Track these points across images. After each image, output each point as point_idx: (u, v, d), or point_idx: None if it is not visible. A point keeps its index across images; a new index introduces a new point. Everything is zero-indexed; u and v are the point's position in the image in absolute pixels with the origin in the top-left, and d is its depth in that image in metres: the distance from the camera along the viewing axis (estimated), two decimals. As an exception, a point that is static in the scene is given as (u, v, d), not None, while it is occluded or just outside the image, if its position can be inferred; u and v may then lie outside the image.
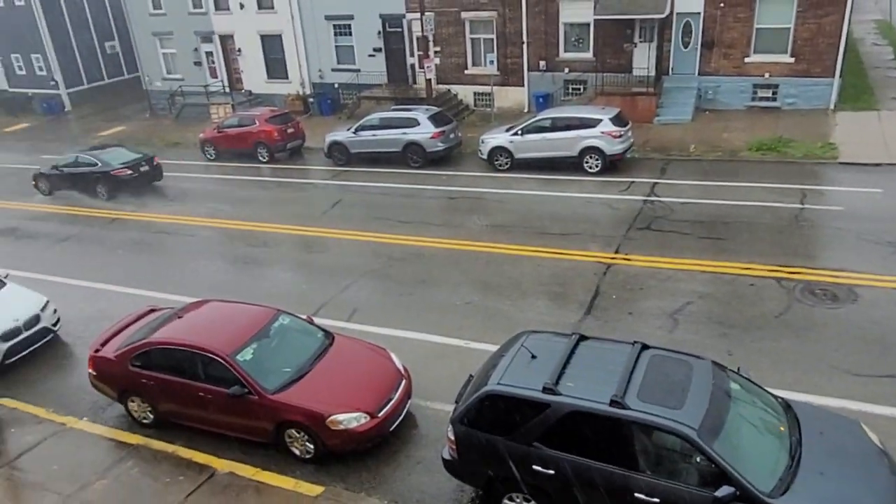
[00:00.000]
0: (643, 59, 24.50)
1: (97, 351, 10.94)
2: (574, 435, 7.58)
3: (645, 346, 8.37)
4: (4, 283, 13.73)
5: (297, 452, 9.63)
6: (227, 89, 33.11)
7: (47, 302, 13.48)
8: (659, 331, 11.86)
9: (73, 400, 11.64)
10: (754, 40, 23.55)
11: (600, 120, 19.61)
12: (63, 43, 38.44)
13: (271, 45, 31.65)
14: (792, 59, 23.21)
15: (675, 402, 7.38)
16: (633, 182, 19.10)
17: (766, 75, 23.70)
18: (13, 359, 12.67)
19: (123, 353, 10.51)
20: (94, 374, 10.89)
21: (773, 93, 23.90)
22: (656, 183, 18.88)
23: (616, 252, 14.97)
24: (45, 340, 13.23)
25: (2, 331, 12.49)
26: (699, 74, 24.52)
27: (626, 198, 18.04)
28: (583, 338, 8.68)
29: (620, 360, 8.07)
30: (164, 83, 34.72)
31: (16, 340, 12.66)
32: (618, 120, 19.78)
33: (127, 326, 11.49)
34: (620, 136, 19.56)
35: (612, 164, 19.89)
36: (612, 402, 7.39)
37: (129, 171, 22.42)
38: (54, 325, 13.46)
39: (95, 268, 16.93)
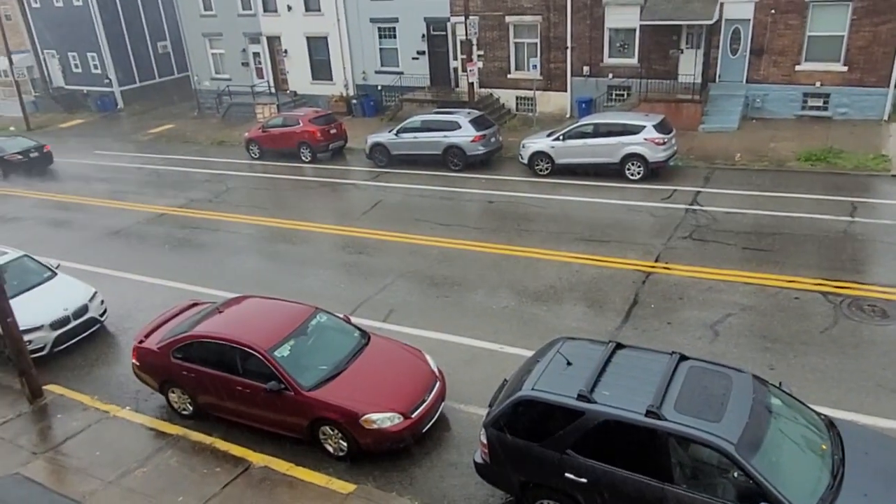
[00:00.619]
0: (689, 65, 24.13)
1: (141, 342, 11.23)
2: (608, 444, 7.49)
3: (683, 357, 8.24)
4: (56, 274, 14.19)
5: (331, 449, 9.73)
6: (273, 90, 33.69)
7: (95, 292, 13.89)
8: (698, 342, 11.67)
9: (117, 389, 11.97)
10: (806, 48, 22.98)
11: (643, 126, 19.39)
12: (117, 42, 39.64)
13: (317, 47, 32.10)
14: (845, 68, 22.58)
15: (714, 415, 7.24)
16: (675, 190, 18.82)
17: (818, 84, 23.11)
18: (61, 347, 13.09)
19: (165, 346, 10.77)
20: (138, 364, 11.18)
21: (825, 102, 23.28)
22: (699, 192, 18.58)
23: (656, 261, 14.77)
24: (92, 330, 13.63)
25: (51, 319, 12.92)
26: (747, 82, 24.04)
27: (667, 206, 17.79)
28: (619, 346, 8.59)
29: (658, 370, 7.95)
30: (213, 83, 35.52)
31: (64, 329, 13.08)
32: (661, 127, 19.52)
33: (170, 319, 11.78)
34: (664, 143, 19.29)
35: (655, 172, 19.66)
36: (649, 413, 7.29)
37: (20, 157, 27.03)
38: (101, 315, 13.85)
39: (141, 261, 17.38)
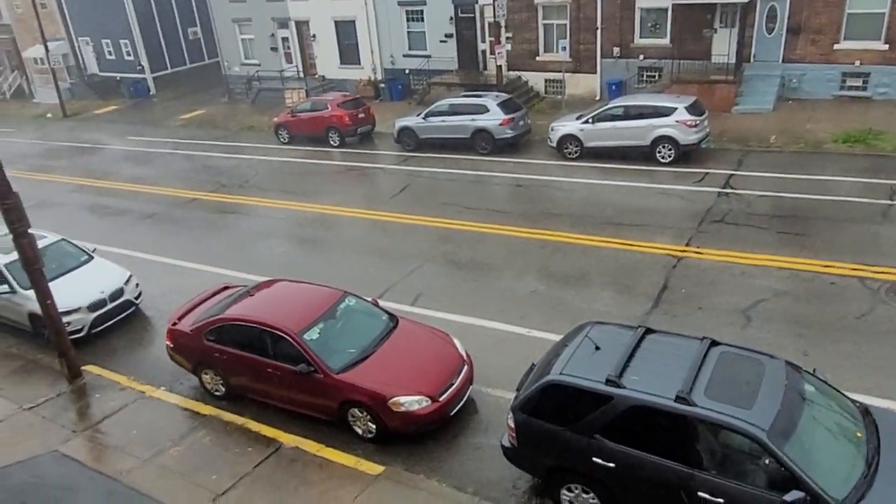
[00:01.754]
0: (723, 45, 23.60)
1: (175, 324, 11.45)
2: (637, 429, 7.46)
3: (714, 343, 8.15)
4: (92, 258, 14.50)
5: (360, 431, 9.85)
6: (302, 74, 33.80)
7: (130, 276, 14.18)
8: (730, 328, 11.52)
9: (153, 370, 12.24)
10: (845, 26, 22.30)
11: (675, 108, 19.08)
12: (149, 29, 40.05)
13: (345, 31, 32.08)
14: (886, 47, 21.87)
15: (745, 402, 7.16)
16: (707, 173, 18.54)
17: (857, 63, 22.44)
18: (98, 328, 13.41)
19: (198, 328, 10.96)
20: (172, 346, 11.41)
21: (864, 82, 22.61)
22: (732, 175, 18.26)
23: (687, 245, 14.59)
24: (127, 312, 13.94)
25: (89, 301, 13.24)
26: (783, 62, 23.45)
27: (699, 189, 17.53)
28: (649, 331, 8.52)
29: (688, 356, 7.88)
30: (242, 68, 35.75)
31: (101, 311, 13.39)
32: (694, 108, 19.19)
33: (202, 302, 11.99)
34: (696, 125, 18.96)
35: (686, 155, 19.37)
36: (678, 398, 7.23)
37: None
38: (136, 297, 14.15)
39: (174, 245, 17.67)
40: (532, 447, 8.23)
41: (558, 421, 7.93)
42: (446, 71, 29.37)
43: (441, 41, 29.48)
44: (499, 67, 25.70)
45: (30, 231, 11.23)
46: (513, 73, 27.94)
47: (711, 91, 22.81)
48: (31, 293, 11.96)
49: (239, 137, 29.23)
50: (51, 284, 11.85)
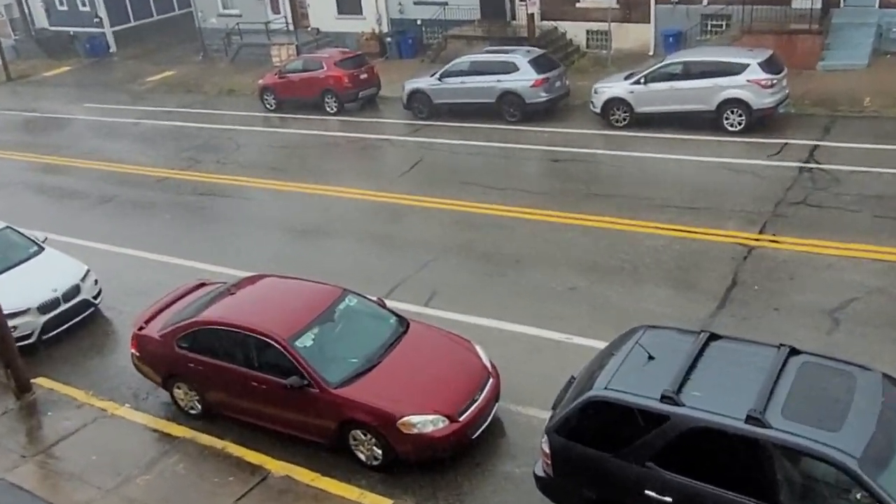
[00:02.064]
0: (806, -14, 23.32)
1: (141, 329, 11.56)
2: (699, 456, 7.43)
3: (794, 351, 8.09)
4: (43, 248, 14.67)
5: (363, 458, 9.90)
6: (291, 27, 33.88)
7: (88, 271, 14.33)
8: (814, 332, 11.45)
9: (115, 383, 12.37)
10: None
11: (747, 65, 18.92)
12: (109, -27, 40.32)
13: (343, -26, 32.15)
14: None
15: (832, 423, 7.11)
16: (786, 144, 18.37)
17: (974, 7, 22.08)
18: (51, 334, 13.54)
19: (169, 333, 11.07)
20: (137, 354, 11.53)
21: (982, 30, 22.24)
22: (817, 146, 18.09)
23: (761, 232, 14.50)
24: (85, 314, 14.07)
25: (39, 302, 13.36)
26: (880, 7, 23.17)
27: (776, 164, 17.38)
28: (714, 337, 8.47)
29: (762, 367, 7.83)
30: (220, 20, 35.92)
31: (54, 313, 13.51)
32: (770, 65, 19.01)
33: (174, 302, 12.08)
34: (772, 85, 18.79)
35: (761, 122, 19.21)
36: (749, 419, 7.20)
37: None
38: (95, 297, 14.30)
39: (140, 234, 17.83)
40: (571, 477, 8.21)
41: (603, 446, 7.91)
42: (466, 21, 29.30)
43: (460, -15, 29.42)
44: (530, 17, 25.60)
45: (-31, 217, 11.36)
46: (547, 24, 27.80)
47: (791, 43, 22.60)
48: (-30, 292, 12.10)
49: (217, 104, 29.38)
50: (-6, 281, 11.99)
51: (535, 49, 23.57)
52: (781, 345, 8.19)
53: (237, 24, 34.60)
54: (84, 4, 40.88)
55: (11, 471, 10.49)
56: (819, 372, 7.79)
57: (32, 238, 14.85)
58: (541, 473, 8.53)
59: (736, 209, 15.52)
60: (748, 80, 18.83)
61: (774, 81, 18.85)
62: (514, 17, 28.68)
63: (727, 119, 19.32)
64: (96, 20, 40.69)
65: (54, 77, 37.88)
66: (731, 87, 19.00)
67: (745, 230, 14.64)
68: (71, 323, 13.81)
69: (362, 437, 9.74)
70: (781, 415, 7.24)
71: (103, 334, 13.97)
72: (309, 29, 33.75)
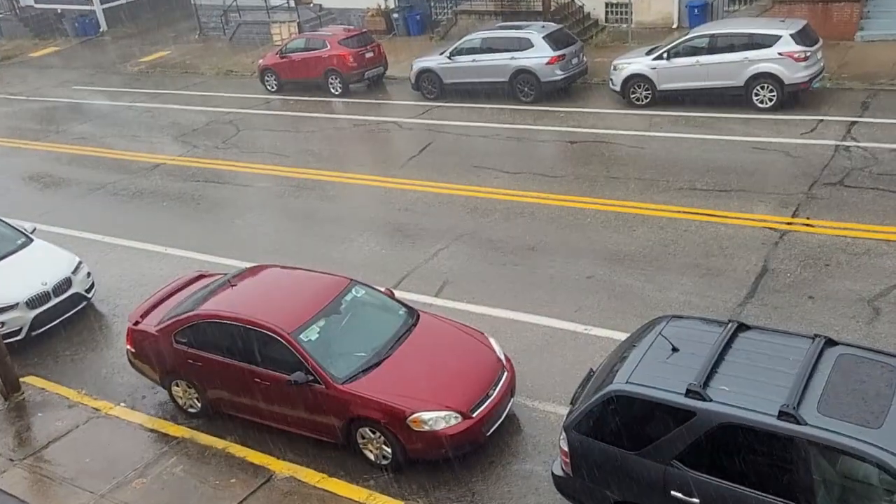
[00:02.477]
0: (842, -48, 23.10)
1: (136, 324, 11.61)
2: (727, 454, 7.41)
3: (830, 342, 8.05)
4: (31, 240, 14.74)
5: (372, 457, 9.94)
6: (292, 4, 33.82)
7: (80, 263, 14.40)
8: (851, 322, 11.40)
9: (109, 382, 12.46)
10: None
11: (778, 37, 18.79)
12: (98, -55, 40.33)
13: (346, -54, 32.06)
14: None
15: (872, 419, 7.06)
16: (821, 121, 18.27)
17: None
18: (40, 330, 13.63)
19: (166, 328, 11.12)
20: (133, 351, 11.59)
21: None
22: (855, 122, 17.98)
23: (794, 215, 14.43)
24: (77, 309, 14.15)
25: (28, 297, 13.43)
26: (923, -28, 22.88)
27: (810, 142, 17.28)
28: (743, 326, 8.44)
29: (795, 359, 7.79)
30: (216, -4, 35.88)
31: (44, 308, 13.59)
32: (803, 36, 18.88)
33: (171, 295, 12.12)
34: (806, 58, 18.65)
35: (793, 97, 19.12)
36: (782, 415, 7.16)
37: None
38: (88, 290, 14.38)
39: (134, 223, 17.91)
40: (591, 476, 8.21)
41: (625, 443, 7.90)
42: (477, -5, 29.15)
43: (470, -44, 29.28)
44: (545, -12, 25.46)
45: (-46, 207, 11.42)
46: (564, -4, 27.64)
47: (827, 12, 22.46)
48: (-44, 286, 12.19)
49: (214, 85, 29.42)
50: (-20, 275, 12.07)
51: (551, 24, 23.46)
52: (816, 335, 8.15)
53: (235, 0, 34.55)
54: (73, -21, 40.94)
55: (0, 475, 10.57)
56: (858, 364, 7.73)
57: (20, 229, 14.92)
58: (559, 472, 8.54)
59: (766, 191, 15.43)
60: (780, 53, 18.69)
61: (808, 54, 18.70)
62: (528, -10, 28.51)
63: (757, 95, 19.19)
64: (85, -4, 40.72)
65: (41, 58, 38.00)
66: (761, 60, 18.87)
67: (777, 214, 14.57)
68: (62, 318, 13.89)
69: (371, 434, 9.77)
70: (817, 410, 7.19)
71: (97, 330, 14.04)
72: (311, 5, 33.67)
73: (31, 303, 13.44)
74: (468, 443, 9.62)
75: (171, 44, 36.55)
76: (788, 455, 7.13)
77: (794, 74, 18.74)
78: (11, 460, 10.94)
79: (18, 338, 13.30)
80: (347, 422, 9.80)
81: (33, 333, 13.52)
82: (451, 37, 27.16)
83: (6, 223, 14.93)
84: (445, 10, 30.36)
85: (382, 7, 31.90)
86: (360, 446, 9.95)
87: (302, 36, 28.15)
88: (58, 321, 13.83)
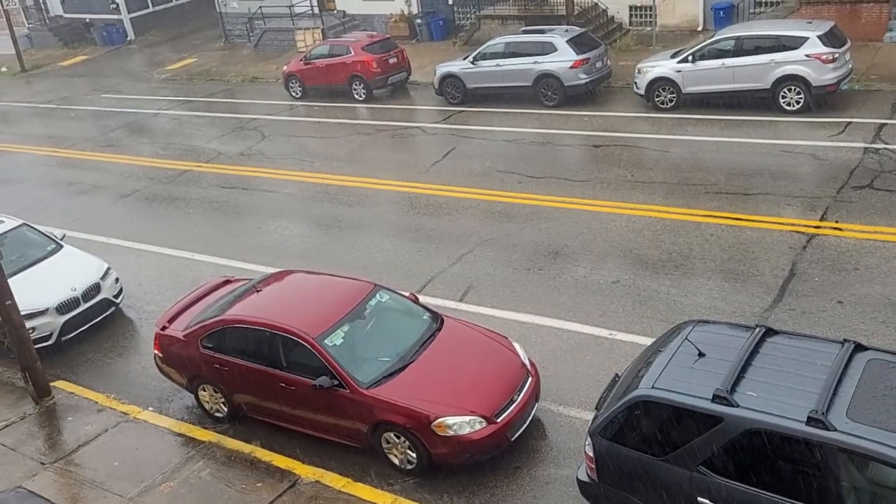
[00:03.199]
0: (869, -48, 22.87)
1: (164, 329, 11.73)
2: (755, 461, 7.35)
3: (860, 347, 7.96)
4: (61, 246, 14.94)
5: (396, 461, 9.95)
6: (317, 10, 34.04)
7: (108, 269, 14.57)
8: (881, 327, 11.28)
9: (138, 386, 12.59)
10: None
11: (805, 38, 18.62)
12: (125, -45, 40.87)
13: (370, -48, 32.23)
14: None
15: (902, 425, 6.98)
16: (849, 123, 18.10)
17: None
18: (70, 335, 13.81)
19: (193, 333, 11.21)
20: (161, 355, 11.70)
21: None
22: (885, 124, 17.79)
23: (822, 219, 14.29)
24: (105, 314, 14.31)
25: (58, 302, 13.61)
26: (952, -28, 22.58)
27: (839, 145, 17.12)
28: (770, 331, 8.37)
29: (824, 364, 7.72)
30: (242, 4, 36.19)
31: (73, 314, 13.77)
32: (831, 38, 18.70)
33: (198, 300, 12.23)
34: (834, 59, 18.46)
35: (821, 100, 18.93)
36: (811, 420, 7.09)
37: None
38: (116, 296, 14.54)
39: (161, 229, 18.09)
40: (617, 482, 8.18)
41: (651, 449, 7.86)
42: (501, 0, 29.15)
43: (493, -39, 29.32)
44: (569, -8, 25.42)
45: (-15, 214, 11.60)
46: (587, 1, 27.59)
47: (855, 13, 22.24)
48: (-12, 292, 12.34)
49: (240, 92, 29.67)
50: (10, 281, 12.21)
51: (574, 28, 23.41)
52: (845, 340, 8.07)
53: (260, 8, 34.82)
54: (100, -11, 41.46)
55: (30, 478, 10.71)
56: (888, 370, 7.63)
57: (50, 235, 15.14)
58: (584, 478, 8.50)
59: (794, 195, 15.30)
60: (807, 55, 18.53)
61: (836, 55, 18.51)
62: (551, -6, 28.49)
63: (784, 98, 19.03)
64: (113, 6, 41.25)
65: (70, 67, 38.52)
66: (788, 62, 18.71)
67: (805, 217, 14.44)
68: (91, 323, 14.05)
69: (395, 439, 9.79)
70: (846, 416, 7.11)
71: (125, 335, 14.20)
72: (335, 12, 33.89)
73: (61, 308, 13.61)
74: (493, 448, 9.61)
75: (196, 51, 36.92)
76: (817, 461, 7.06)
77: (821, 76, 18.56)
78: (42, 464, 11.08)
79: (49, 343, 13.48)
80: (372, 426, 9.83)
81: (63, 339, 13.69)
82: (475, 42, 27.19)
83: (37, 230, 15.15)
84: (469, 15, 30.39)
85: (406, 13, 32.01)
86: (385, 451, 9.97)
87: (326, 42, 28.30)
88: (87, 326, 13.99)
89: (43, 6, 43.78)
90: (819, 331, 10.99)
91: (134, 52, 39.40)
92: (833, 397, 7.30)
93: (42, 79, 37.02)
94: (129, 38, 41.32)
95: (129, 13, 41.45)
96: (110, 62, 38.15)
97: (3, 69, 39.61)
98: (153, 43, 40.14)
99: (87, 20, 42.36)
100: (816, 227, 14.09)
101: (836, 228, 13.96)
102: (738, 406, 7.44)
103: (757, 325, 8.51)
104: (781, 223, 14.35)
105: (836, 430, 7.02)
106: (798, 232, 14.00)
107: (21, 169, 24.09)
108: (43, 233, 15.16)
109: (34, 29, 43.44)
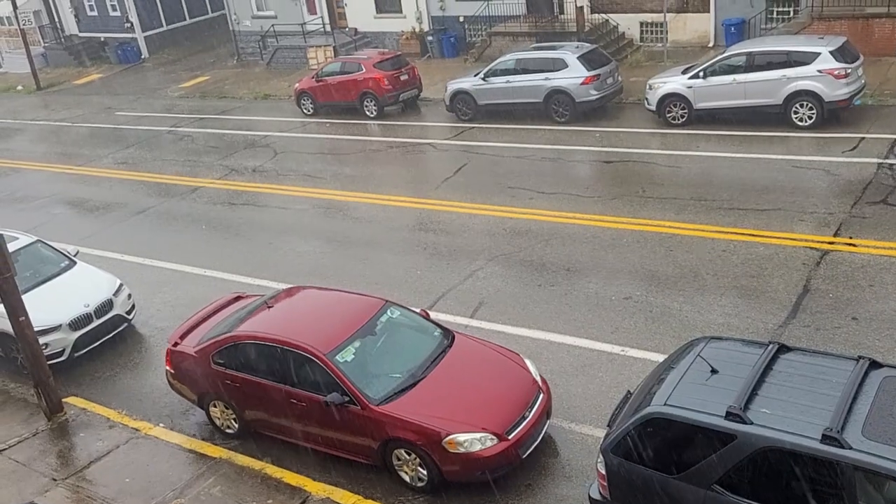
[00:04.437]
0: (882, -33, 22.87)
1: (175, 345, 11.75)
2: (769, 479, 7.29)
3: (875, 364, 7.90)
4: (74, 262, 15.02)
5: (407, 478, 9.92)
6: (328, 28, 34.28)
7: (121, 285, 14.63)
8: (896, 343, 11.18)
9: (149, 402, 12.62)
10: None
11: (817, 54, 18.61)
12: (139, -25, 41.31)
13: (382, -30, 32.47)
14: None
15: (920, 443, 6.91)
16: (863, 139, 18.04)
17: None
18: (83, 351, 13.85)
19: (205, 349, 11.23)
20: (172, 372, 11.72)
21: None
22: (897, 140, 17.74)
23: (836, 235, 14.22)
24: (118, 331, 14.36)
25: (70, 318, 13.66)
26: (965, -13, 22.54)
27: (852, 160, 17.06)
28: (784, 348, 8.33)
29: (838, 382, 7.67)
30: (254, 22, 36.52)
31: (86, 330, 13.81)
32: (843, 53, 18.68)
33: (210, 316, 12.25)
34: (846, 75, 18.43)
35: (833, 115, 18.90)
36: (826, 438, 7.03)
37: None
38: (129, 312, 14.59)
39: (173, 246, 18.17)
40: (629, 500, 8.12)
41: (663, 467, 7.81)
42: (511, 17, 29.31)
43: (504, -22, 29.47)
44: (579, 10, 25.53)
45: (-1, 231, 11.68)
46: (598, 17, 27.68)
47: (868, 29, 22.23)
48: (1, 308, 12.39)
49: (252, 109, 29.85)
50: (24, 297, 12.28)
51: (585, 44, 23.47)
52: (860, 357, 8.03)
53: (272, 26, 35.14)
54: (115, 9, 41.91)
55: (42, 494, 10.73)
56: (903, 386, 7.57)
57: (63, 252, 15.22)
58: (596, 496, 8.45)
59: (807, 210, 15.23)
60: (819, 71, 18.50)
61: (849, 71, 18.48)
62: (561, 11, 28.59)
63: (796, 113, 18.99)
64: (127, 25, 41.69)
65: (85, 85, 38.89)
66: (800, 78, 18.69)
67: (818, 233, 14.37)
68: (104, 339, 14.10)
69: (406, 456, 9.76)
70: (862, 434, 7.06)
71: (137, 351, 14.24)
72: (346, 29, 34.11)
73: (74, 324, 13.67)
74: (504, 465, 9.57)
75: (209, 69, 37.22)
76: (832, 480, 6.99)
77: (834, 92, 18.52)
78: (54, 479, 11.09)
79: (61, 359, 13.52)
80: (383, 443, 9.81)
81: (76, 354, 13.74)
82: (486, 58, 27.30)
83: (51, 246, 15.24)
84: (479, 32, 30.53)
85: (417, 30, 32.18)
86: (396, 468, 9.94)
87: (337, 60, 28.49)
88: (99, 342, 14.04)
89: (59, 25, 44.29)
90: (833, 348, 10.92)
91: (148, 70, 39.74)
92: (848, 415, 7.25)
93: (57, 96, 37.39)
94: (143, 57, 41.73)
95: (143, 32, 41.87)
96: (124, 80, 38.50)
97: (19, 87, 40.05)
98: (167, 61, 40.50)
99: (102, 39, 42.82)
100: (830, 243, 14.02)
101: (850, 244, 13.88)
102: (751, 423, 7.39)
103: (770, 342, 8.47)
104: (795, 239, 14.29)
105: (851, 448, 6.96)
106: (812, 248, 13.93)
107: (36, 186, 24.28)
108: (57, 249, 15.24)
109: (50, 48, 43.92)
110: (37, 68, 39.46)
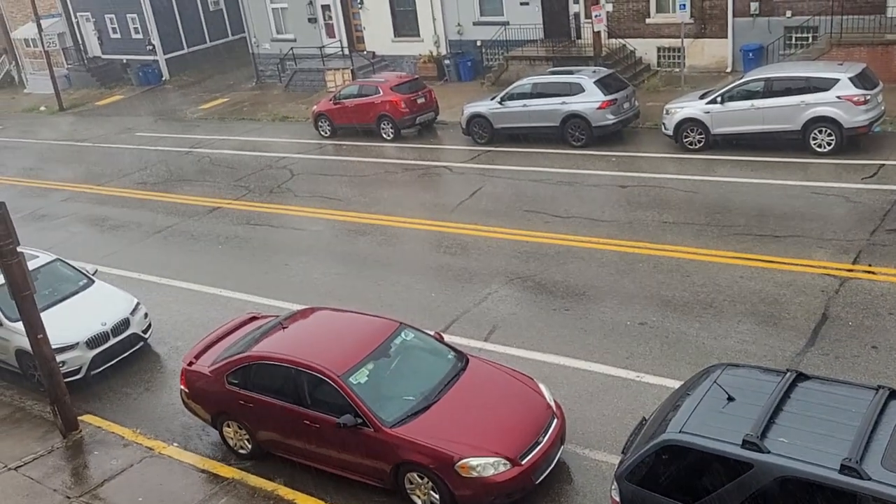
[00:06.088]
0: (902, -6, 22.86)
1: (190, 364, 11.79)
2: (787, 508, 7.19)
3: (894, 393, 7.82)
4: (93, 282, 15.13)
5: (419, 502, 9.86)
6: (346, 51, 34.58)
7: (138, 304, 14.73)
8: (916, 373, 11.05)
9: (163, 421, 12.64)
10: None
11: (836, 80, 18.56)
12: (161, 0, 41.83)
13: (400, -5, 32.73)
14: None
15: (940, 475, 6.81)
16: (882, 165, 17.95)
17: None
18: (99, 369, 13.93)
19: (219, 369, 11.26)
20: (187, 391, 11.74)
21: None
22: (917, 167, 17.64)
23: (854, 262, 14.11)
24: (134, 349, 14.44)
25: (87, 336, 13.77)
26: (985, 15, 22.47)
27: (871, 187, 16.97)
28: (802, 376, 8.28)
29: (857, 411, 7.60)
30: (273, 45, 36.90)
31: (102, 348, 13.91)
32: (862, 80, 18.62)
33: (225, 336, 12.30)
34: (865, 101, 18.37)
35: (852, 142, 18.82)
36: (844, 469, 6.96)
37: None
38: (145, 331, 14.67)
39: (191, 265, 18.27)
40: (644, 529, 8.04)
41: (679, 495, 7.74)
42: (529, 41, 29.44)
43: (522, 3, 29.65)
44: (597, 34, 25.62)
45: (19, 250, 11.76)
46: (615, 42, 27.77)
47: (887, 55, 22.19)
48: (20, 326, 12.52)
49: (270, 131, 30.09)
50: (43, 314, 12.37)
51: (602, 69, 23.53)
52: (880, 386, 7.97)
53: (291, 49, 35.48)
54: (137, 32, 42.50)
55: (57, 511, 10.77)
56: (923, 416, 7.49)
57: (82, 270, 15.35)
58: (611, 524, 8.37)
59: (826, 237, 15.14)
60: (838, 97, 18.45)
61: (868, 97, 18.42)
62: (579, 36, 28.70)
63: (814, 139, 18.92)
64: (149, 48, 42.26)
65: (107, 106, 39.37)
66: (818, 104, 18.63)
67: (837, 260, 14.27)
68: (120, 358, 14.18)
69: (419, 479, 9.71)
70: (881, 465, 7.00)
71: (153, 370, 14.30)
72: (364, 53, 34.39)
73: (91, 343, 13.76)
74: (517, 490, 9.50)
75: (229, 91, 37.60)
76: (851, 511, 6.90)
77: (853, 118, 18.45)
78: (68, 497, 11.12)
79: (78, 377, 13.61)
80: (395, 466, 9.77)
81: (92, 373, 13.82)
82: (502, 82, 27.41)
83: (70, 265, 15.38)
84: (496, 56, 30.68)
85: (434, 53, 32.39)
86: (409, 491, 9.89)
87: (355, 82, 28.69)
88: (115, 361, 14.11)
89: (82, 47, 44.93)
90: (852, 376, 10.82)
91: (168, 92, 40.20)
92: (867, 445, 7.19)
93: (79, 117, 37.86)
94: (164, 79, 42.22)
95: (164, 54, 42.41)
96: (145, 101, 38.95)
97: (43, 108, 40.59)
98: (187, 83, 40.96)
99: (124, 61, 43.40)
100: (849, 270, 13.91)
101: (869, 272, 13.77)
102: (768, 452, 7.33)
103: (788, 370, 8.43)
104: (813, 266, 14.20)
105: (870, 479, 6.89)
106: (830, 275, 13.82)
107: (56, 205, 24.53)
108: (76, 268, 15.37)
109: (73, 69, 44.54)
110: (60, 89, 40.01)
